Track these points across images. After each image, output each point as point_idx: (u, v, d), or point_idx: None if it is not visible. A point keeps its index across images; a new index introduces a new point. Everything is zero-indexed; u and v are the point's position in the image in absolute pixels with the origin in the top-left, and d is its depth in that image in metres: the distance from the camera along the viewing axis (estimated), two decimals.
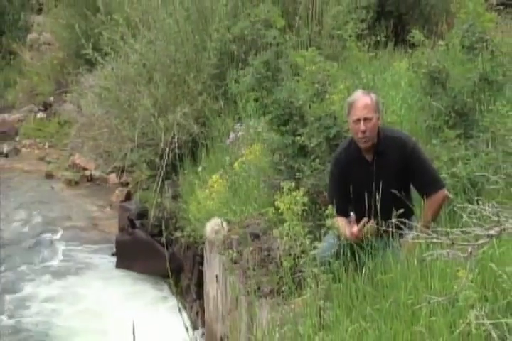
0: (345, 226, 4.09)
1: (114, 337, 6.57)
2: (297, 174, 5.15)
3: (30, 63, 14.71)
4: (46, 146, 13.07)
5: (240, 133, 7.24)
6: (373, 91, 4.93)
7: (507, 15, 8.71)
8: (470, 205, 3.14)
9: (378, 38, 8.08)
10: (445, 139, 4.92)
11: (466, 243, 2.86)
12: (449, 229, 3.11)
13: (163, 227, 7.29)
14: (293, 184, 4.39)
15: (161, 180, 7.93)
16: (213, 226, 5.72)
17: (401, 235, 3.87)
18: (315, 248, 4.08)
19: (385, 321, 3.40)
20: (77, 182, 11.30)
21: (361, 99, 4.19)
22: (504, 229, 2.80)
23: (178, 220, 7.40)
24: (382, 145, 4.18)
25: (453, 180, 4.50)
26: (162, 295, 7.77)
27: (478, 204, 3.11)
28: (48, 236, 9.36)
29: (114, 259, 8.51)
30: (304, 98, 5.32)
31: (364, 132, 4.10)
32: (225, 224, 5.68)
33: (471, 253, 2.81)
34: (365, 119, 4.10)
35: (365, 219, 3.96)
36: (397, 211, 3.80)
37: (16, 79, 14.59)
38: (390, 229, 3.75)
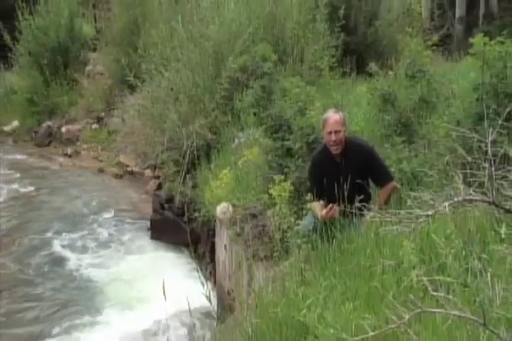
0: (318, 209, 4.08)
1: (149, 288, 6.53)
2: (285, 169, 5.13)
3: (87, 88, 14.69)
4: (99, 149, 13.02)
5: (242, 139, 7.20)
6: (341, 109, 4.93)
7: (438, 53, 8.72)
8: (412, 193, 3.11)
9: (345, 69, 8.06)
10: (394, 144, 4.91)
11: (409, 221, 2.84)
12: (397, 211, 3.10)
13: (185, 209, 7.26)
14: (282, 177, 4.38)
15: (183, 174, 7.91)
16: (222, 209, 5.72)
17: (362, 215, 3.87)
18: (298, 224, 4.08)
19: (350, 278, 3.39)
20: (121, 176, 11.26)
21: (332, 116, 4.17)
22: (437, 211, 2.79)
23: (196, 204, 7.36)
24: (347, 149, 4.17)
25: (400, 174, 4.49)
26: (184, 259, 7.75)
27: (418, 192, 3.08)
28: (100, 214, 9.31)
29: (148, 232, 8.47)
30: (290, 113, 5.30)
31: (335, 141, 4.11)
32: (230, 207, 5.66)
33: (413, 228, 2.80)
34: (336, 132, 4.10)
35: (330, 205, 3.94)
36: (358, 197, 3.79)
37: (77, 100, 14.59)
38: (354, 211, 3.75)
